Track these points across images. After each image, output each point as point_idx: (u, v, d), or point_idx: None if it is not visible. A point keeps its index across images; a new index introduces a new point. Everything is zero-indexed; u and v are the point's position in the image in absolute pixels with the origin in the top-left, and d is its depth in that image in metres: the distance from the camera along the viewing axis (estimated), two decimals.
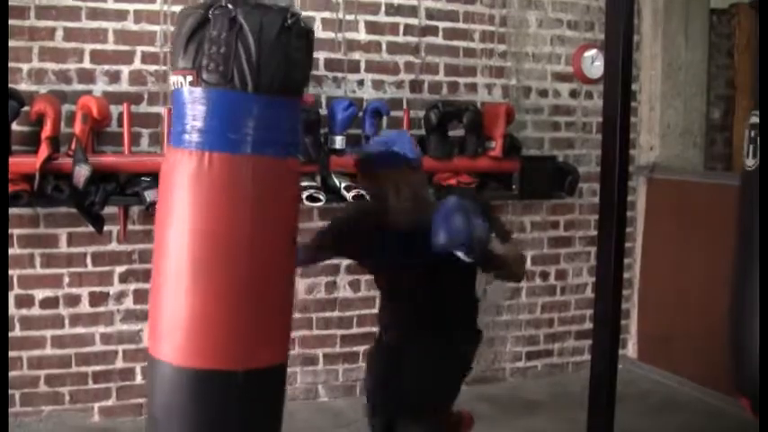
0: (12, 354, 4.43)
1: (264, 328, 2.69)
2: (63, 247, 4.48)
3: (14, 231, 4.38)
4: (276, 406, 2.90)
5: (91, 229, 4.31)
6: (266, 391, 2.78)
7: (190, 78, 2.55)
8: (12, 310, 4.42)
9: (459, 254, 2.81)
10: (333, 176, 4.70)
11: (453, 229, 2.78)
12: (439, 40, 5.21)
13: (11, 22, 4.24)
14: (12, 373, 4.43)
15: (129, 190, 4.33)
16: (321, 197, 4.54)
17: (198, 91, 2.55)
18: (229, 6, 2.53)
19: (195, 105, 2.56)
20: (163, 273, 2.67)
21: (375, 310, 5.01)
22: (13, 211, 4.18)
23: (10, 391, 4.44)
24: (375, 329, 5.02)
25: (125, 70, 4.50)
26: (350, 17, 4.96)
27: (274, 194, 2.66)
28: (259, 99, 2.57)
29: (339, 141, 4.71)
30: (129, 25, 4.49)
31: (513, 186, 5.23)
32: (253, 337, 2.65)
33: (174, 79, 2.61)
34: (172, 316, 2.62)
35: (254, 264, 2.61)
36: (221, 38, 2.53)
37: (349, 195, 4.58)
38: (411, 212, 3.16)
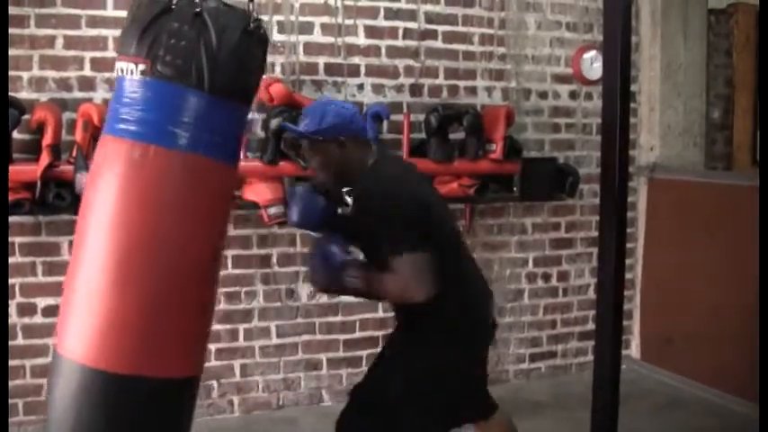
0: (15, 362, 4.44)
1: (179, 338, 2.60)
2: (65, 255, 4.48)
3: (16, 240, 4.39)
4: (182, 419, 2.76)
5: None
6: (174, 402, 2.66)
7: (142, 67, 2.46)
8: (14, 318, 4.43)
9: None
10: None
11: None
12: (438, 43, 5.22)
13: (11, 30, 4.26)
14: (15, 382, 4.44)
15: None
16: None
17: (147, 80, 2.47)
18: (195, 0, 2.48)
19: (140, 94, 2.48)
20: (80, 266, 2.57)
21: (377, 314, 5.03)
22: (14, 219, 4.19)
23: (13, 401, 4.44)
24: (377, 333, 5.05)
25: None
26: (349, 22, 4.96)
27: (205, 197, 2.59)
28: (210, 99, 2.51)
29: None
30: None
31: (514, 188, 5.22)
32: (165, 345, 2.56)
33: (123, 65, 2.52)
34: (85, 313, 2.52)
35: (175, 266, 2.53)
36: (183, 31, 2.45)
37: (349, 199, 4.58)
38: (322, 181, 3.24)
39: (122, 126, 2.50)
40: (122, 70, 2.52)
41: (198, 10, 2.46)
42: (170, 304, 2.53)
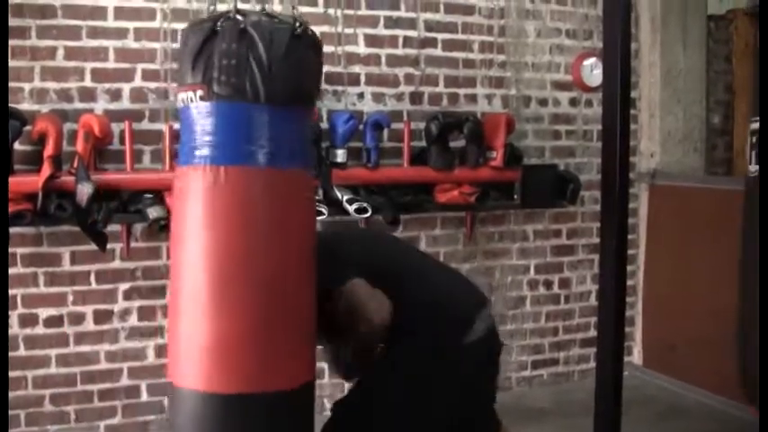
0: (16, 373, 4.44)
1: (289, 347, 2.62)
2: (66, 266, 4.49)
3: (17, 250, 4.39)
4: (307, 425, 2.78)
5: (94, 247, 4.31)
6: (295, 411, 2.69)
7: (200, 93, 2.51)
8: (16, 329, 4.43)
9: None
10: (335, 190, 4.70)
11: None
12: (438, 51, 5.23)
13: (12, 42, 4.27)
14: (17, 393, 4.44)
15: (131, 207, 4.32)
16: (324, 210, 4.54)
17: (208, 105, 2.51)
18: (238, 18, 2.50)
19: (206, 119, 2.52)
20: (179, 295, 2.61)
21: None
22: (15, 230, 4.19)
23: (15, 411, 4.44)
24: None
25: (126, 88, 4.51)
26: (349, 31, 4.97)
27: (291, 206, 2.62)
28: (271, 110, 2.54)
29: (340, 155, 4.72)
30: (130, 43, 4.50)
31: (515, 196, 5.23)
32: (277, 358, 2.58)
33: (183, 96, 2.56)
34: (192, 340, 2.54)
35: (272, 279, 2.55)
36: (232, 49, 2.49)
37: (351, 208, 4.59)
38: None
39: (197, 153, 2.53)
40: (183, 100, 2.57)
41: (242, 26, 2.50)
42: (273, 316, 2.56)
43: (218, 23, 2.50)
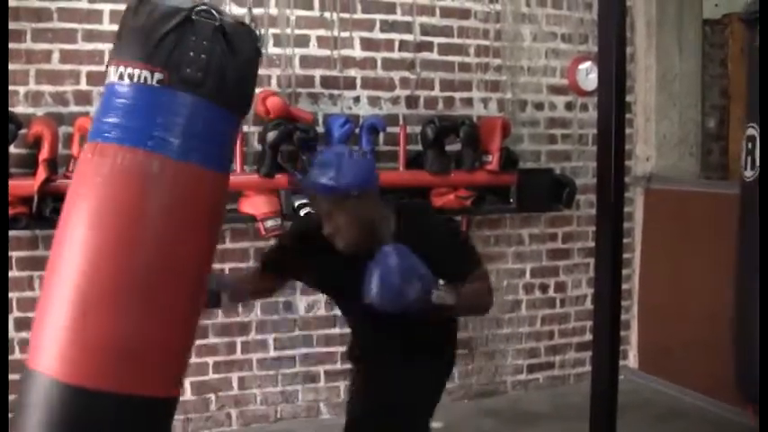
0: (13, 376, 4.42)
1: (163, 354, 2.53)
2: None
3: (13, 254, 4.38)
4: None
5: None
6: (146, 421, 2.55)
7: (159, 76, 2.42)
8: (11, 333, 4.42)
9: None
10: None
11: (386, 292, 2.63)
12: (434, 55, 5.23)
13: (8, 45, 4.27)
14: (12, 398, 4.43)
15: None
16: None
17: (163, 90, 2.43)
18: (214, 14, 2.47)
19: (157, 105, 2.44)
20: (55, 278, 2.52)
21: None
22: (11, 233, 4.18)
23: (11, 414, 4.43)
24: None
25: None
26: (345, 34, 4.97)
27: (199, 204, 2.57)
28: (223, 112, 2.52)
29: None
30: None
31: (511, 200, 5.23)
32: (149, 362, 2.49)
33: (133, 72, 2.44)
34: (69, 329, 2.43)
35: (160, 276, 2.47)
36: (204, 45, 2.44)
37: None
38: (350, 240, 2.88)
39: (115, 133, 2.44)
40: (134, 76, 2.44)
41: (218, 25, 2.47)
42: (148, 317, 2.47)
43: (194, 14, 2.44)
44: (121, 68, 2.46)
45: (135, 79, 2.45)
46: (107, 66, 2.53)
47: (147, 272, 2.46)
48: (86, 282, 2.43)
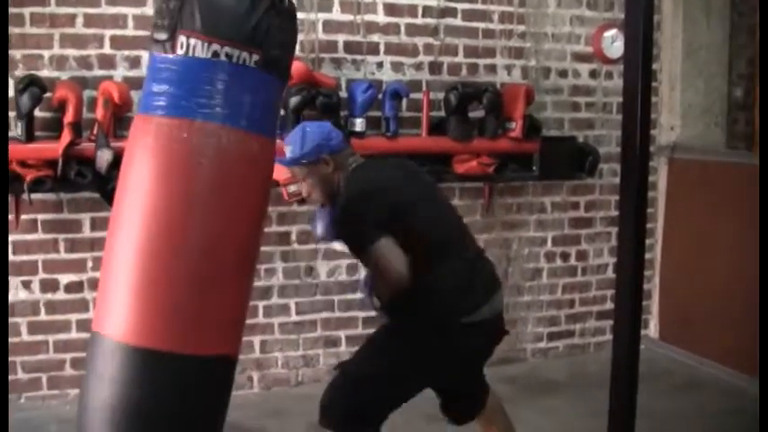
0: (38, 338, 4.50)
1: (221, 317, 2.63)
2: (87, 232, 4.52)
3: (38, 216, 4.43)
4: (217, 396, 2.76)
5: None
6: (206, 379, 2.65)
7: (256, 57, 2.52)
8: (37, 294, 4.48)
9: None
10: None
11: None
12: (458, 21, 5.20)
13: (31, 9, 4.30)
14: (38, 357, 4.50)
15: None
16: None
17: (258, 72, 2.54)
18: None
19: (252, 85, 2.55)
20: (116, 245, 2.60)
21: None
22: (36, 196, 4.22)
23: (36, 375, 4.51)
24: None
25: (145, 55, 4.49)
26: (368, 0, 4.96)
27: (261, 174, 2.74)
28: (282, 86, 2.75)
29: (359, 124, 4.72)
30: (148, 10, 4.50)
31: (534, 167, 5.22)
32: (207, 324, 2.59)
33: (232, 52, 2.49)
34: (122, 293, 2.54)
35: (210, 244, 2.56)
36: (283, 26, 2.59)
37: None
38: (319, 198, 3.41)
39: (216, 113, 2.51)
40: (230, 55, 2.49)
41: (289, 4, 2.64)
42: (212, 284, 2.57)
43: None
44: (216, 46, 2.48)
45: (234, 59, 2.50)
46: (175, 36, 2.51)
47: (237, 241, 2.65)
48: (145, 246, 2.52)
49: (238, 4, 2.50)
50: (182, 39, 2.48)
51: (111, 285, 2.58)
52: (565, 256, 5.69)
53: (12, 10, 4.17)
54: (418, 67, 5.12)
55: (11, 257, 4.35)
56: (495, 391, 3.65)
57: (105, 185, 4.17)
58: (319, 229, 3.34)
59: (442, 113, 4.99)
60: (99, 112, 4.22)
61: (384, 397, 3.21)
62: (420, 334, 3.15)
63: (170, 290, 2.52)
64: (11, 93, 4.21)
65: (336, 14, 4.91)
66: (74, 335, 4.55)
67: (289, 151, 3.36)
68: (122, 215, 2.60)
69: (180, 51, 2.49)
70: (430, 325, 3.15)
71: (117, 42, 4.49)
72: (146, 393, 2.52)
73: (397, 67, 5.07)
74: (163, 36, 2.51)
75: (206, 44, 2.47)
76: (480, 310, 3.19)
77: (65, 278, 4.52)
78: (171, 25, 2.50)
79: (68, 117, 4.15)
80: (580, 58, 5.56)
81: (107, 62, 4.49)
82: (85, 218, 4.51)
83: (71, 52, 4.42)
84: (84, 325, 4.54)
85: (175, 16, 2.50)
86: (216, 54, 2.47)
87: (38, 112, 4.23)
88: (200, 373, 2.60)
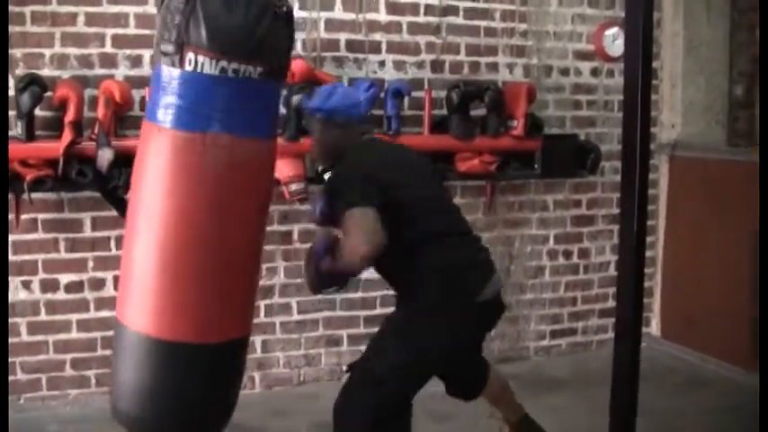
0: (38, 338, 4.49)
1: (234, 306, 2.90)
2: (87, 232, 4.52)
3: (39, 216, 4.42)
4: (227, 378, 3.05)
5: (115, 213, 4.33)
6: (215, 364, 2.90)
7: (260, 70, 2.65)
8: (37, 294, 4.47)
9: None
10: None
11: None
12: (459, 19, 5.20)
13: (32, 7, 4.29)
14: (38, 358, 4.49)
15: None
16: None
17: (263, 82, 2.69)
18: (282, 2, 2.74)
19: (258, 95, 2.69)
20: (133, 238, 2.82)
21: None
22: (37, 195, 4.22)
23: (36, 375, 4.50)
24: None
25: (146, 54, 4.51)
26: None
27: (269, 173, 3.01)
28: (281, 88, 2.96)
29: None
30: (150, 9, 4.49)
31: (535, 165, 5.22)
32: (222, 316, 2.85)
33: (239, 67, 2.64)
34: (142, 287, 2.77)
35: (229, 240, 2.78)
36: (283, 35, 2.72)
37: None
38: (314, 155, 3.64)
39: (228, 123, 2.67)
40: (236, 71, 2.63)
41: (286, 11, 2.75)
42: (228, 276, 2.81)
43: (276, 7, 2.68)
44: (223, 63, 2.62)
45: (240, 74, 2.64)
46: (183, 51, 2.63)
47: (246, 244, 2.93)
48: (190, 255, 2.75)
49: (243, 21, 2.62)
50: (190, 55, 2.61)
51: (134, 281, 2.81)
52: (567, 254, 5.68)
53: (13, 8, 4.17)
54: (420, 65, 5.12)
55: (11, 257, 4.34)
56: (499, 370, 3.81)
57: (106, 185, 4.18)
58: (317, 209, 3.33)
59: (444, 112, 4.99)
60: (100, 112, 4.21)
61: (405, 387, 3.23)
62: (432, 315, 3.20)
63: (191, 285, 2.75)
64: (11, 92, 4.20)
65: (338, 13, 4.91)
66: (74, 335, 4.55)
67: (312, 100, 3.47)
68: (141, 220, 2.79)
69: (188, 67, 2.62)
70: (440, 305, 3.20)
71: (118, 41, 4.48)
72: (169, 379, 2.79)
73: (398, 65, 5.06)
74: (170, 49, 2.59)
75: (214, 62, 2.61)
76: (486, 288, 3.28)
77: (65, 278, 4.52)
78: (178, 40, 2.59)
79: (69, 116, 4.14)
80: (581, 56, 5.55)
81: (108, 61, 4.48)
82: (86, 217, 4.51)
83: (72, 51, 4.41)
84: (84, 325, 4.55)
85: (182, 32, 2.56)
86: (223, 70, 2.62)
87: (38, 112, 4.22)
88: (218, 358, 2.86)
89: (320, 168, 3.77)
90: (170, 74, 2.63)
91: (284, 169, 4.52)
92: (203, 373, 2.83)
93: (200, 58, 2.59)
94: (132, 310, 2.80)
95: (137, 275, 2.79)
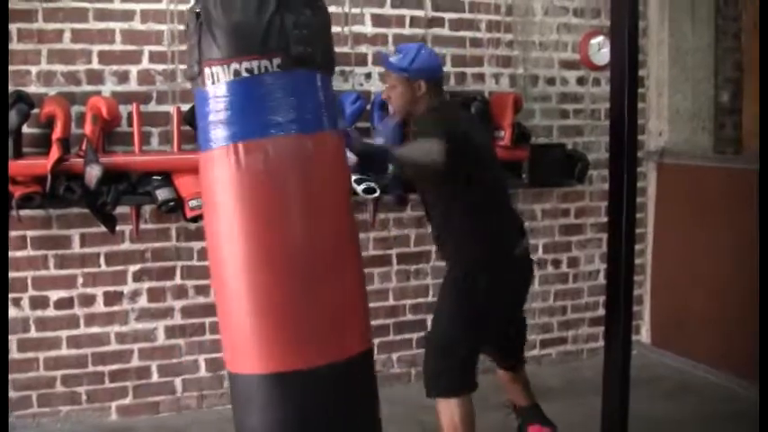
0: (28, 355, 4.47)
1: (336, 322, 2.64)
2: (76, 248, 4.51)
3: (27, 233, 4.41)
4: (364, 393, 2.82)
5: (103, 229, 4.33)
6: (351, 381, 2.70)
7: (277, 61, 2.48)
8: (27, 311, 4.45)
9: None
10: None
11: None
12: (445, 31, 5.21)
13: (19, 25, 4.28)
14: (28, 375, 4.47)
15: (140, 189, 4.33)
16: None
17: (285, 74, 2.51)
18: None
19: (284, 88, 2.52)
20: (221, 282, 2.64)
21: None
22: (25, 212, 4.21)
23: (27, 393, 4.48)
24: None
25: (133, 70, 4.52)
26: (356, 10, 4.96)
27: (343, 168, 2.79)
28: (327, 78, 2.69)
29: None
30: (136, 25, 4.50)
31: (523, 175, 5.22)
32: (334, 330, 2.63)
33: (251, 65, 2.50)
34: (241, 328, 2.60)
35: (313, 254, 2.58)
36: (302, 19, 2.54)
37: (359, 188, 4.57)
38: (394, 109, 3.75)
39: (278, 121, 2.51)
40: (252, 69, 2.49)
41: None
42: (317, 293, 2.59)
43: None
44: (235, 65, 2.49)
45: (256, 71, 2.49)
46: (201, 68, 2.54)
47: (333, 245, 2.65)
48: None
49: (242, 17, 2.49)
50: (206, 70, 2.52)
51: (234, 323, 2.63)
52: (556, 263, 5.69)
53: None
54: None
55: None
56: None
57: (95, 201, 4.17)
58: (382, 126, 3.71)
59: None
60: (87, 128, 4.20)
61: (472, 345, 3.54)
62: (482, 270, 3.50)
63: (290, 311, 2.57)
64: None
65: None
66: (64, 351, 4.53)
67: (396, 59, 3.63)
68: (225, 251, 2.61)
69: (209, 82, 2.52)
70: (495, 261, 3.54)
71: (105, 57, 4.48)
72: (293, 413, 2.60)
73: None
74: (195, 71, 2.55)
75: (225, 67, 2.50)
76: (521, 246, 3.69)
77: (54, 294, 4.50)
78: (197, 59, 2.54)
79: (57, 133, 4.13)
80: (567, 65, 5.57)
81: (95, 77, 4.47)
82: (75, 234, 4.50)
83: (59, 68, 4.41)
84: (74, 341, 4.53)
85: (196, 50, 2.53)
86: (237, 73, 2.49)
87: (26, 129, 4.20)
88: (338, 379, 2.64)
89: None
90: (201, 95, 2.57)
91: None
92: (329, 398, 2.66)
93: (215, 69, 2.50)
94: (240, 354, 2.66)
95: (237, 315, 2.63)
